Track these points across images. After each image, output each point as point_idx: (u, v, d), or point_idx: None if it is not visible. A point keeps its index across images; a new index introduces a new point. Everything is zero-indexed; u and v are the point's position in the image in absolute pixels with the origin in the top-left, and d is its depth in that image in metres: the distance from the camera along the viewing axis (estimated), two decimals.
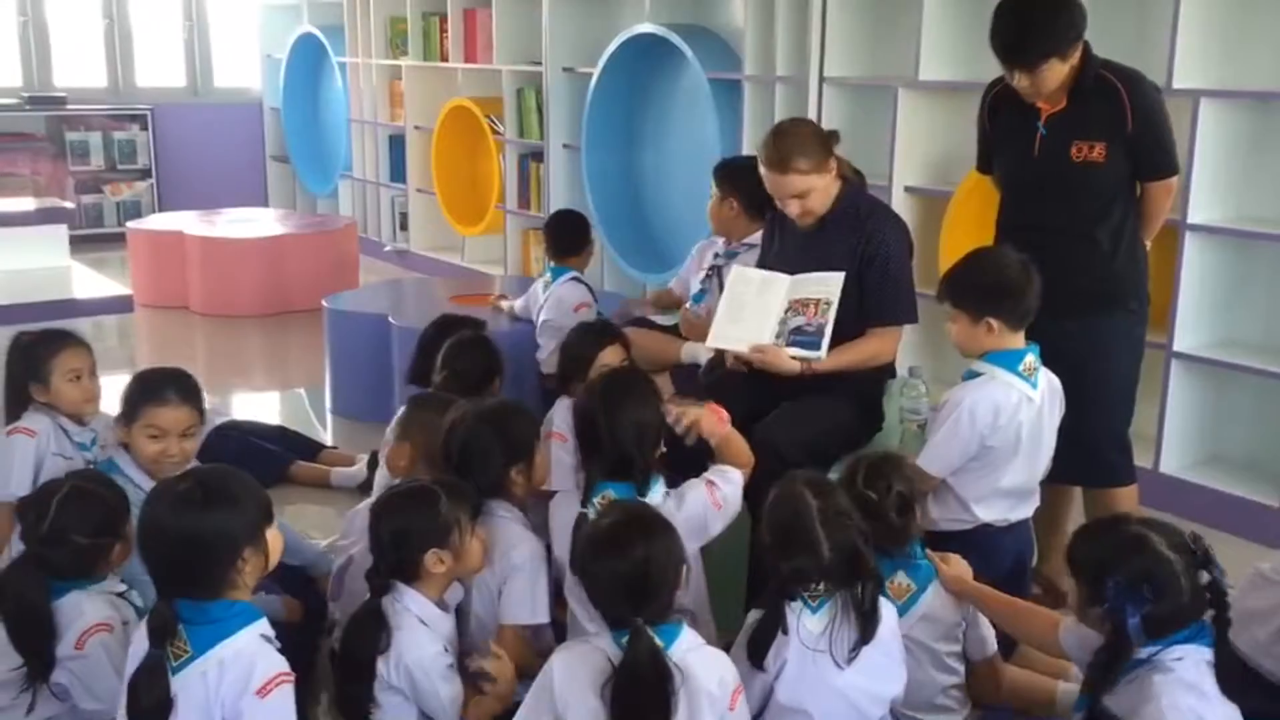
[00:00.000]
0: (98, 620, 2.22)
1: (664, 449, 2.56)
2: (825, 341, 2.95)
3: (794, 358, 2.96)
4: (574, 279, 4.30)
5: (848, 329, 3.02)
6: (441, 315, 3.72)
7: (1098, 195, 3.00)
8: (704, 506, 2.47)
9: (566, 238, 4.39)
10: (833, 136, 3.12)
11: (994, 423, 2.60)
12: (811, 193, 3.04)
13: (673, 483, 2.56)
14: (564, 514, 2.50)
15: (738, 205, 3.75)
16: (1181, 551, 1.96)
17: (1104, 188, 2.99)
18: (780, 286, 3.08)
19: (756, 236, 3.74)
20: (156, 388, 2.70)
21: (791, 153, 3.01)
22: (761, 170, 3.09)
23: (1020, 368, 2.65)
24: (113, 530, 2.28)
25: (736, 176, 3.75)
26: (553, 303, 4.23)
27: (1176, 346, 3.80)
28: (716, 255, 3.88)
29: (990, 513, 2.66)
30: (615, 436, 2.46)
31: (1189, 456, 3.93)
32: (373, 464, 3.78)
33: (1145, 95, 2.94)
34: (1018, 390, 2.64)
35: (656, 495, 2.48)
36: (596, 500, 2.43)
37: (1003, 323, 2.65)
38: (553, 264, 4.39)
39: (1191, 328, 3.82)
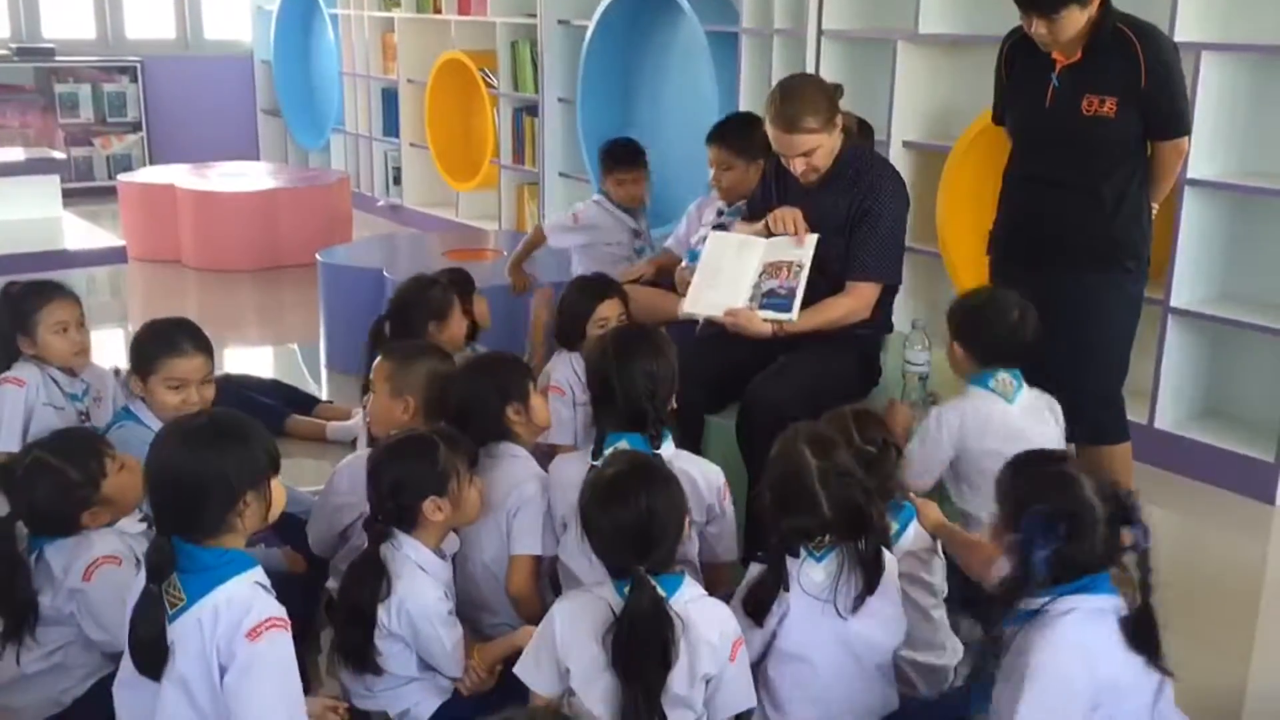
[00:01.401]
0: (105, 553, 2.23)
1: (675, 404, 2.57)
2: (796, 303, 2.96)
3: (766, 319, 2.96)
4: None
5: (834, 281, 3.02)
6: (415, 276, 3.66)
7: (1106, 151, 2.98)
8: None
9: None
10: (837, 91, 3.10)
11: (960, 428, 2.65)
12: (817, 150, 3.03)
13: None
14: (567, 470, 2.50)
15: (751, 168, 3.70)
16: (1107, 501, 1.94)
17: (1112, 144, 2.97)
18: (756, 250, 3.07)
19: None
20: (171, 339, 2.72)
21: (801, 112, 2.99)
22: (768, 127, 3.06)
23: (991, 384, 2.68)
24: (77, 501, 2.25)
25: (748, 140, 3.72)
26: None
27: (1174, 302, 3.80)
28: (720, 213, 3.85)
29: None
30: (627, 389, 2.47)
31: (1185, 412, 3.94)
32: None
33: (1161, 52, 2.92)
34: (988, 404, 2.66)
35: (668, 449, 2.49)
36: (608, 453, 2.44)
37: (969, 356, 2.70)
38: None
39: (1189, 283, 3.82)
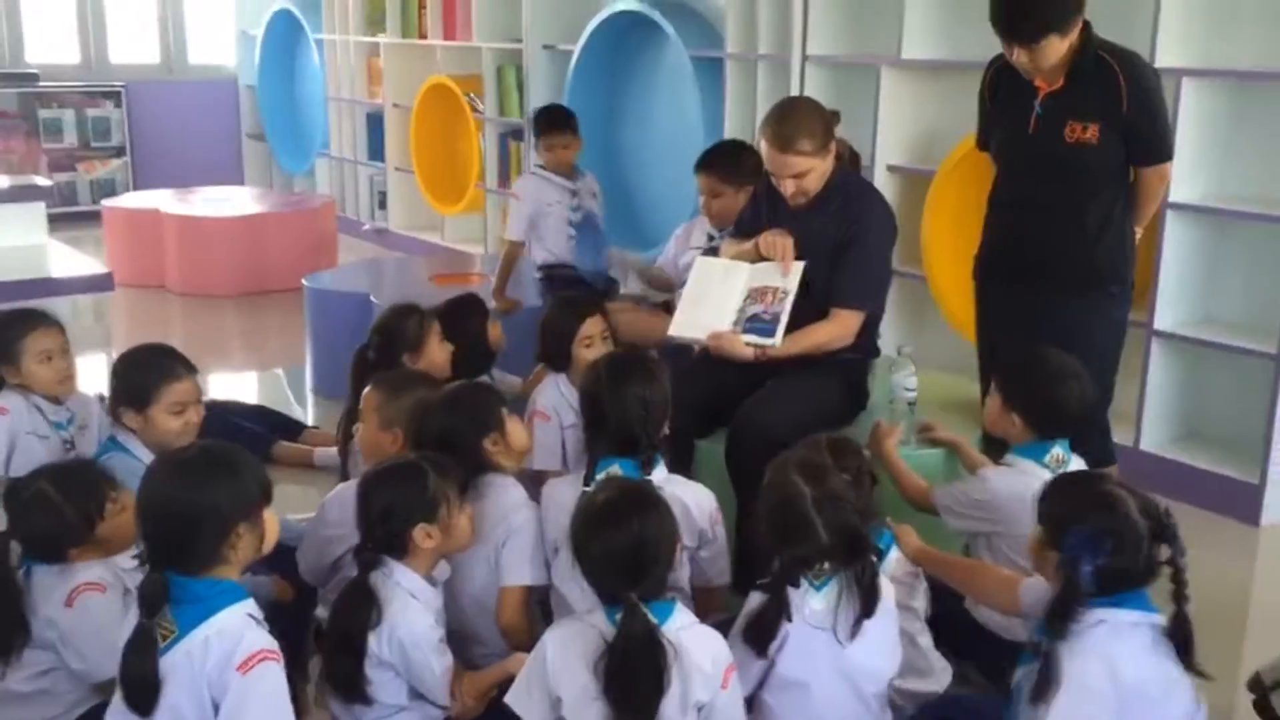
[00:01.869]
0: (89, 580, 2.22)
1: (667, 430, 2.58)
2: (780, 329, 2.98)
3: (749, 343, 2.97)
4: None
5: (821, 307, 3.04)
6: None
7: (1089, 176, 3.01)
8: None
9: None
10: (834, 117, 3.12)
11: (1005, 507, 2.57)
12: (810, 174, 3.04)
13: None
14: (559, 495, 2.51)
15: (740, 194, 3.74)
16: (1150, 518, 2.00)
17: (1095, 169, 3.00)
18: (741, 275, 3.09)
19: None
20: (164, 365, 2.74)
21: (796, 134, 3.01)
22: (762, 146, 3.08)
23: (1045, 459, 2.62)
24: (69, 539, 2.24)
25: (736, 167, 3.76)
26: None
27: (1157, 324, 3.83)
28: (711, 237, 3.88)
29: None
30: (620, 414, 2.47)
31: (1169, 433, 3.96)
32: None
33: (1143, 79, 2.95)
34: (1036, 479, 2.53)
35: (660, 474, 2.49)
36: (599, 478, 2.44)
37: (1026, 425, 2.65)
38: None
39: (1171, 306, 3.85)
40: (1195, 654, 2.03)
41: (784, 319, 2.98)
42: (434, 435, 2.51)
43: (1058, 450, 2.63)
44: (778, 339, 2.97)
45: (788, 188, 3.07)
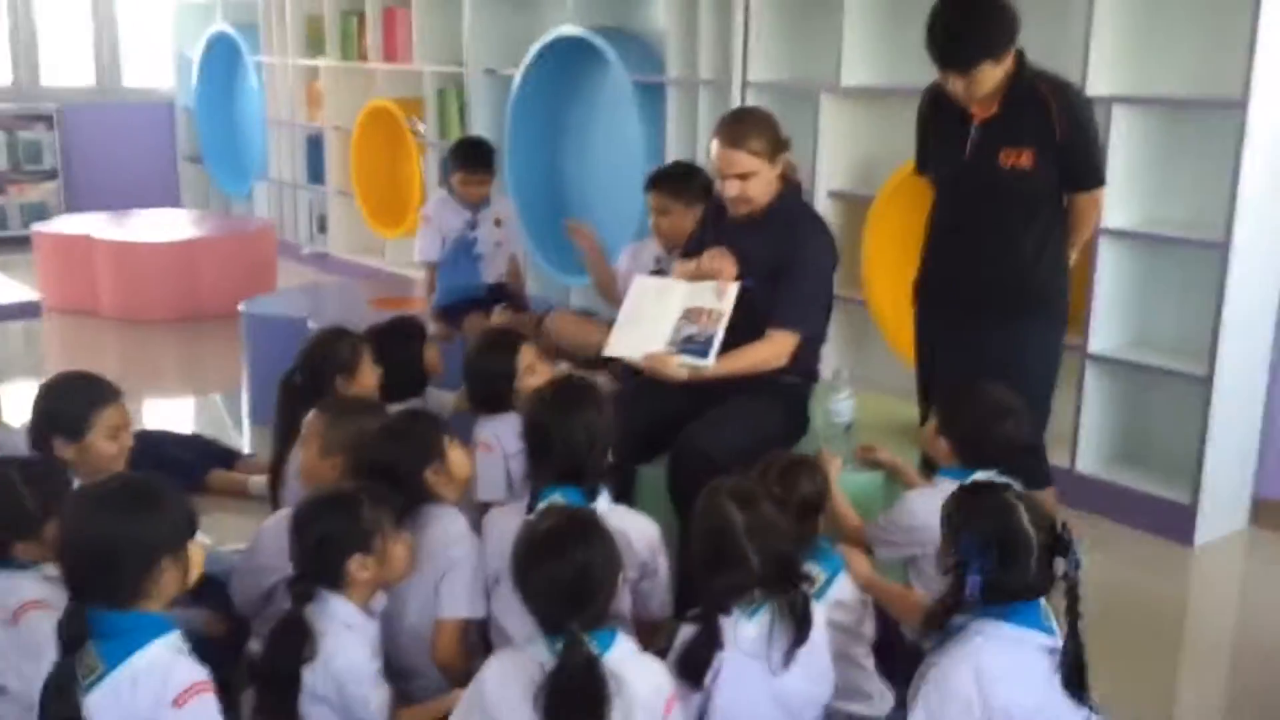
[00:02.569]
0: (34, 598, 2.17)
1: (611, 459, 2.56)
2: (713, 351, 2.98)
3: (682, 364, 2.98)
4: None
5: (759, 327, 3.04)
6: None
7: (1024, 202, 3.05)
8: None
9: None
10: (787, 141, 3.14)
11: (931, 516, 2.48)
12: (754, 178, 3.05)
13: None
14: (501, 524, 2.48)
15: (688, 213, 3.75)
16: (1043, 531, 2.00)
17: (1031, 195, 3.04)
18: (675, 294, 3.10)
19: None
20: (95, 390, 2.71)
21: (747, 132, 3.03)
22: (713, 143, 3.09)
23: (968, 482, 2.63)
24: (19, 529, 2.24)
25: (684, 185, 3.79)
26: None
27: (1091, 348, 3.88)
28: (658, 260, 3.87)
29: None
30: (567, 441, 2.45)
31: (1105, 455, 4.01)
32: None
33: (1075, 106, 3.00)
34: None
35: (603, 503, 2.48)
36: (541, 506, 2.41)
37: (953, 451, 2.67)
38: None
39: (1106, 329, 3.90)
40: (1086, 677, 2.00)
41: (718, 340, 2.99)
42: (373, 465, 2.47)
43: (981, 475, 2.62)
44: (711, 360, 2.98)
45: (731, 188, 3.06)
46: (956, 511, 2.08)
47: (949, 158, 3.12)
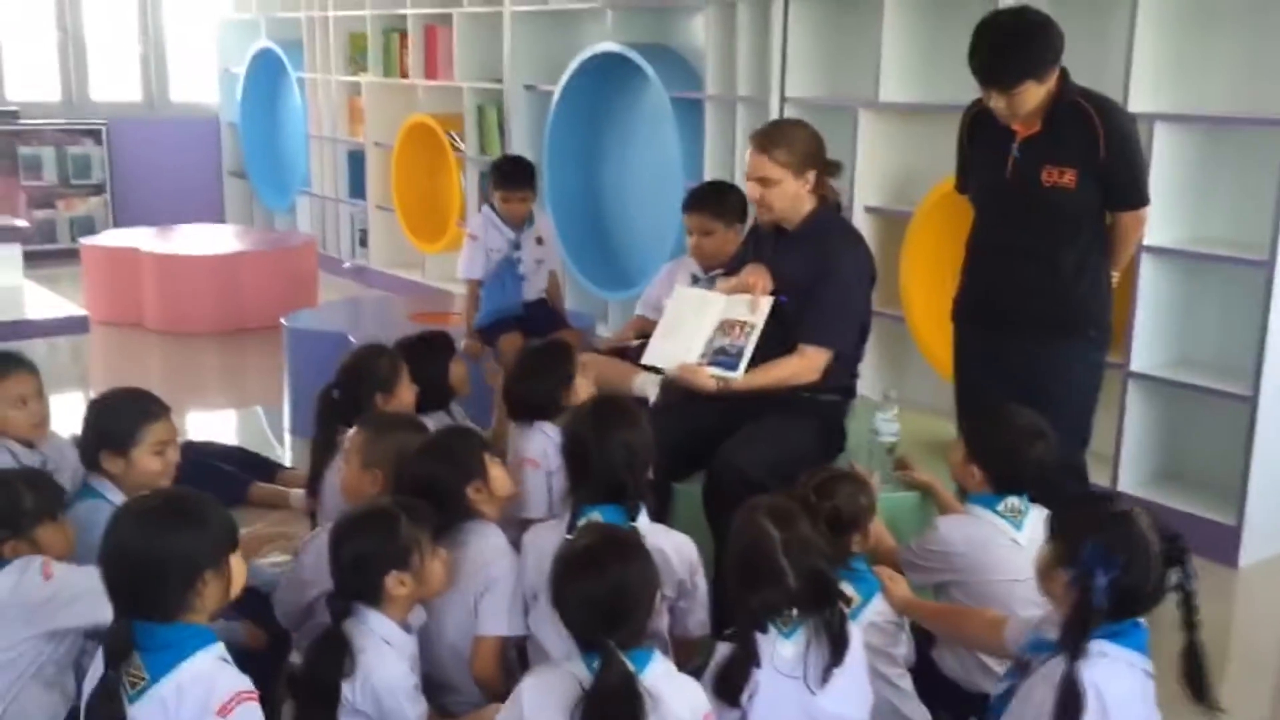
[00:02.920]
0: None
1: (651, 475, 2.57)
2: (743, 364, 2.99)
3: (713, 376, 2.99)
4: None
5: (789, 342, 3.05)
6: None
7: (1066, 221, 3.03)
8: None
9: None
10: (835, 167, 3.15)
11: (962, 556, 2.57)
12: (776, 186, 3.05)
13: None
14: (541, 541, 2.49)
15: (730, 233, 3.77)
16: (1162, 539, 2.00)
17: (1072, 214, 3.02)
18: (715, 306, 3.12)
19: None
20: (143, 406, 2.74)
21: (779, 140, 3.06)
22: (747, 148, 3.13)
23: (999, 507, 2.61)
24: (10, 525, 2.34)
25: (724, 204, 3.82)
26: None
27: (1133, 366, 3.85)
28: (696, 279, 3.87)
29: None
30: (606, 460, 2.46)
31: (1146, 475, 3.97)
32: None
33: (1119, 124, 2.98)
34: (993, 526, 2.59)
35: (643, 522, 2.48)
36: (580, 524, 2.43)
37: (986, 479, 2.65)
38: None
39: (1148, 348, 3.87)
40: (1207, 682, 2.02)
41: (748, 352, 3.00)
42: (415, 481, 2.49)
43: (1013, 499, 2.62)
44: (740, 372, 2.99)
45: (752, 191, 3.10)
46: (1073, 523, 2.05)
47: (990, 176, 3.11)
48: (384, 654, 2.20)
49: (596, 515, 2.44)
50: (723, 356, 3.03)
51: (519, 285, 4.57)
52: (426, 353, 3.50)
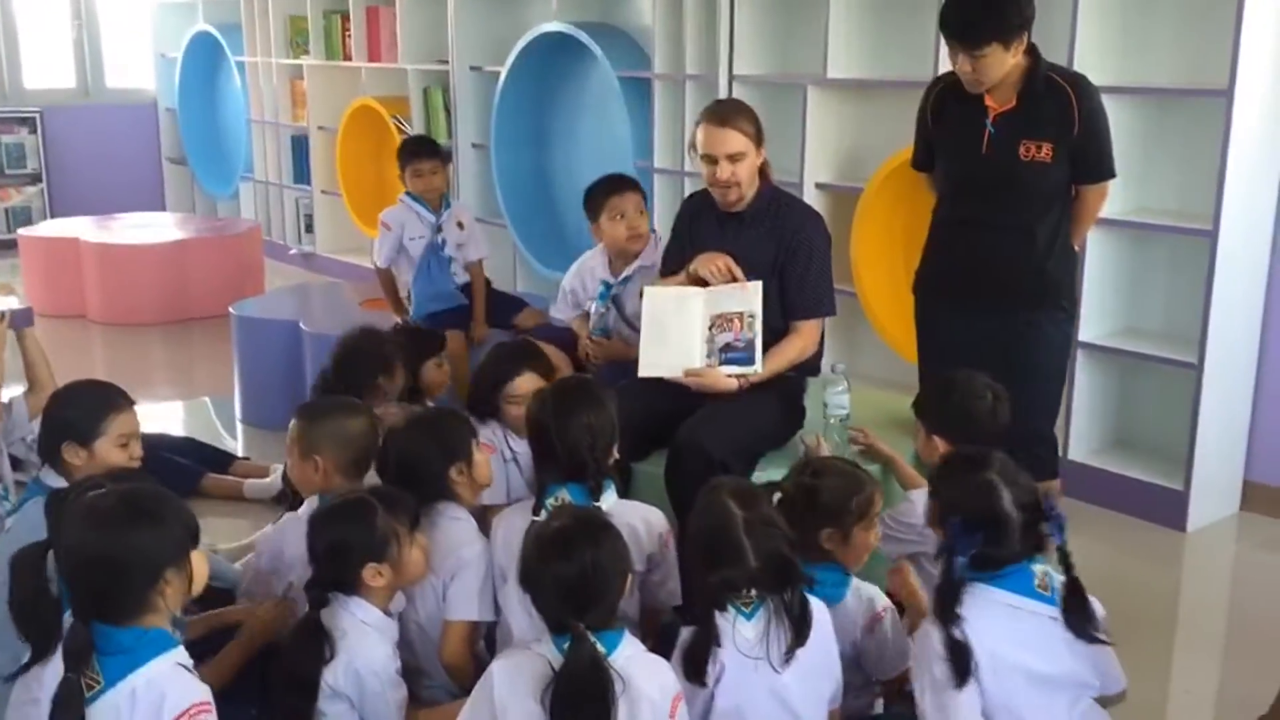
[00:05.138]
0: None
1: (616, 455, 2.58)
2: (759, 354, 2.97)
3: (730, 375, 2.97)
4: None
5: (772, 323, 3.04)
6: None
7: (1041, 194, 3.08)
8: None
9: None
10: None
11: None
12: (743, 160, 3.04)
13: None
14: (509, 523, 2.50)
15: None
16: (1025, 509, 2.10)
17: (1049, 187, 3.08)
18: (696, 302, 3.05)
19: (647, 257, 3.72)
20: (108, 398, 2.68)
21: (737, 113, 3.07)
22: (698, 131, 3.09)
23: None
24: None
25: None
26: None
27: (1081, 336, 3.89)
28: (609, 285, 3.82)
29: None
30: (567, 440, 2.47)
31: (1096, 443, 4.04)
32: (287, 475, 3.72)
33: (1091, 99, 3.04)
34: None
35: (609, 499, 2.49)
36: (549, 503, 2.44)
37: (946, 443, 2.70)
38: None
39: (1096, 318, 3.92)
40: (1091, 615, 2.12)
41: (759, 343, 2.97)
42: (400, 456, 2.49)
43: None
44: (758, 365, 2.97)
45: (723, 171, 3.04)
46: (945, 492, 2.18)
47: (964, 152, 3.13)
48: (367, 637, 2.20)
49: (564, 493, 2.45)
50: (732, 353, 2.99)
51: (446, 269, 4.50)
52: (410, 347, 3.52)
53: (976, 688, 2.04)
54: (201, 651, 2.25)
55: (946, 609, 2.06)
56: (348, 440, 2.62)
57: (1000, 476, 2.12)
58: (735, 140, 3.02)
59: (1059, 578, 2.14)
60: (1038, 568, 2.14)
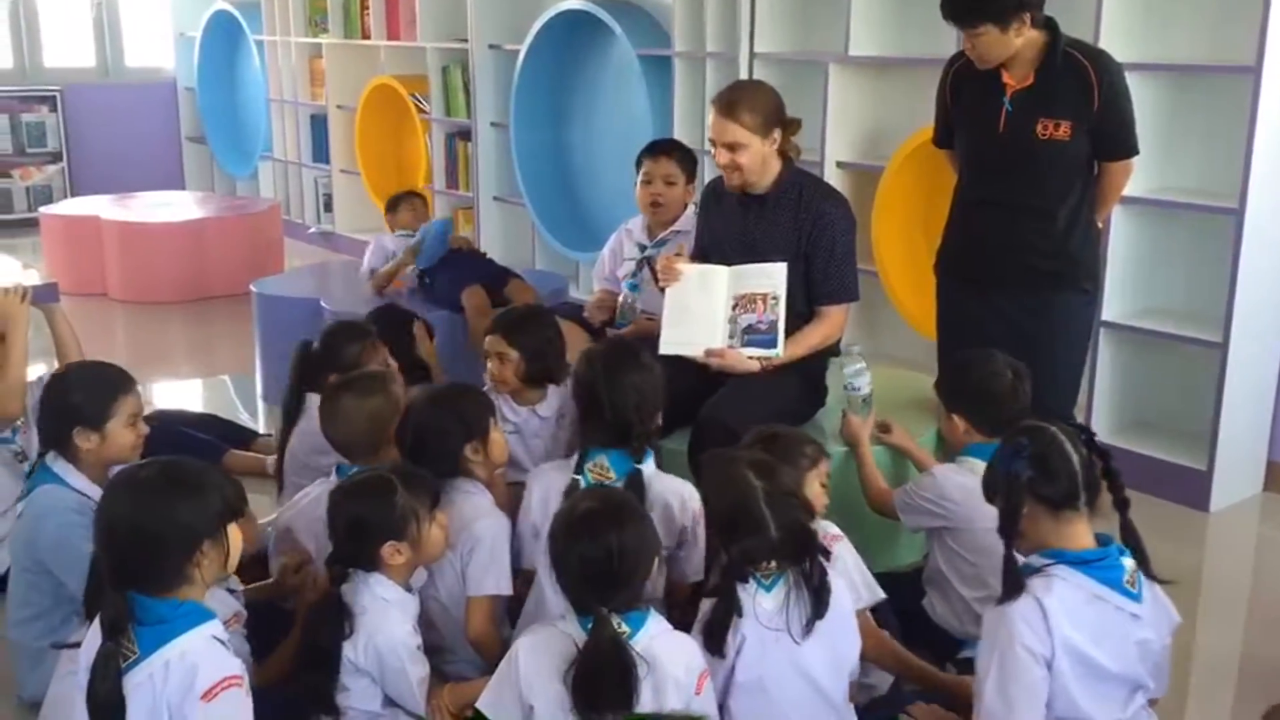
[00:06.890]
0: None
1: (660, 421, 2.60)
2: (781, 338, 2.97)
3: (753, 357, 2.97)
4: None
5: (797, 306, 3.03)
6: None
7: (1059, 173, 3.05)
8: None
9: None
10: (794, 123, 3.13)
11: (958, 493, 2.61)
12: (745, 150, 3.03)
13: None
14: (546, 480, 2.54)
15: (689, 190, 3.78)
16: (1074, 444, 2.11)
17: (1068, 165, 3.04)
18: (719, 279, 3.06)
19: (684, 221, 3.73)
20: (114, 379, 2.68)
21: (742, 102, 3.03)
22: (710, 112, 3.10)
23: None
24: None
25: (693, 161, 3.83)
26: None
27: (1104, 315, 3.87)
28: (644, 247, 3.84)
29: None
30: (615, 402, 2.48)
31: (1119, 423, 4.02)
32: None
33: (1112, 75, 3.00)
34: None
35: (649, 466, 2.50)
36: (589, 467, 2.46)
37: (969, 424, 2.69)
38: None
39: (1117, 297, 3.90)
40: (1146, 557, 2.12)
41: (781, 326, 2.97)
42: (418, 430, 2.49)
43: None
44: (780, 348, 2.97)
45: (721, 157, 3.07)
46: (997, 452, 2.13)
47: (981, 130, 3.11)
48: (389, 613, 2.21)
49: (603, 459, 2.47)
50: (755, 335, 2.99)
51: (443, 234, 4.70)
52: (388, 329, 3.55)
53: (1046, 677, 1.98)
54: (255, 646, 2.29)
55: (1011, 528, 2.03)
56: (351, 420, 2.66)
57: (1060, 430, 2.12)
58: (733, 130, 3.02)
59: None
60: (1128, 562, 2.09)
